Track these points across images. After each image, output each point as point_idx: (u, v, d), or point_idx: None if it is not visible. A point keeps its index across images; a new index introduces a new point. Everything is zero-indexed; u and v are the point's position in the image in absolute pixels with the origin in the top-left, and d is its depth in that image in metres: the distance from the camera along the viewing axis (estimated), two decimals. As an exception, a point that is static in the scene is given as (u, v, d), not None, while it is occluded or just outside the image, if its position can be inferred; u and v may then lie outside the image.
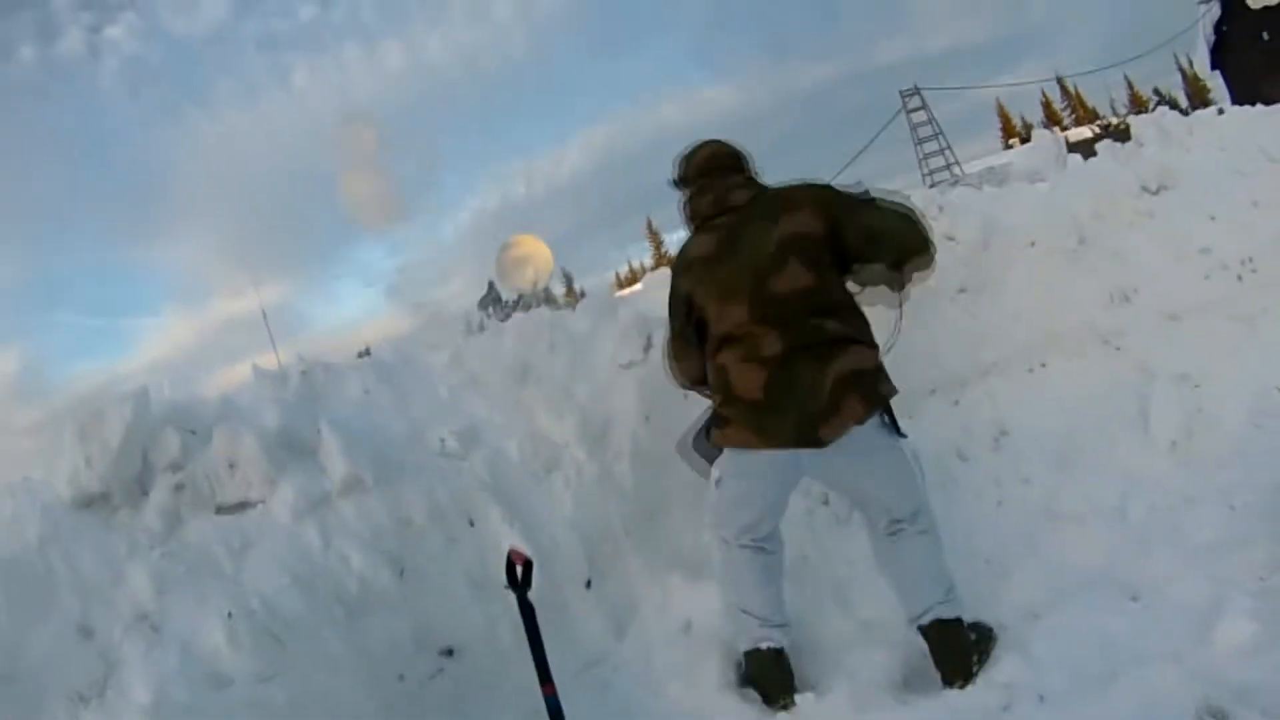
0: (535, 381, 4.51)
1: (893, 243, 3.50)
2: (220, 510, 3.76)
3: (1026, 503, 4.22)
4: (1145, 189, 4.96)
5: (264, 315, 25.54)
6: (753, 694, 3.47)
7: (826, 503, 4.25)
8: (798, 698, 3.41)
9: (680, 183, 3.74)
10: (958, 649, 3.32)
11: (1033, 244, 4.88)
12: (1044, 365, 4.72)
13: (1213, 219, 4.71)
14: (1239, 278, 4.60)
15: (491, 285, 27.72)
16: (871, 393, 3.36)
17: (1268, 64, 21.70)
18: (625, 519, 4.17)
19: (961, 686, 3.27)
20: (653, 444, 4.28)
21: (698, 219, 3.63)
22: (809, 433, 3.29)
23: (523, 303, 25.01)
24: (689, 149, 3.77)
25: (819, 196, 3.50)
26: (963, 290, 4.85)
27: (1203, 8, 24.86)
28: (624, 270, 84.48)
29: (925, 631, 3.35)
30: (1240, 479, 3.81)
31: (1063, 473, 4.25)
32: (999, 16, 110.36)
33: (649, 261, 76.73)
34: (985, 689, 3.23)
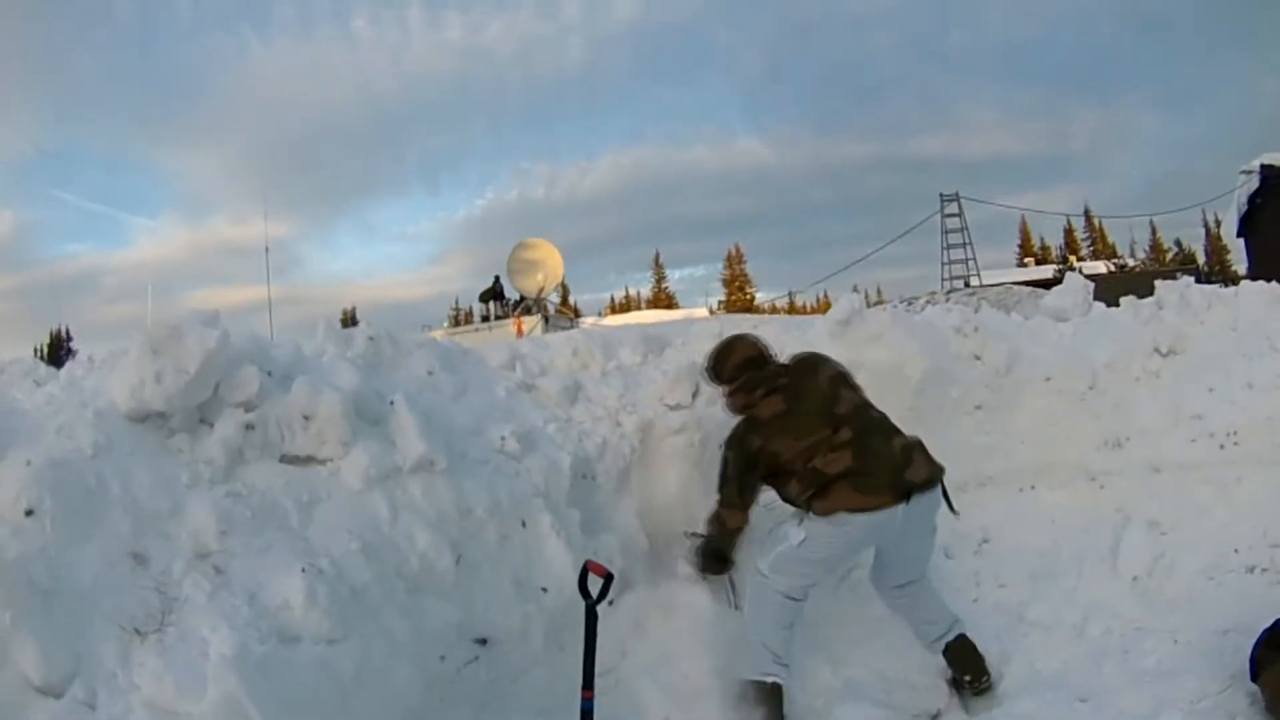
0: (585, 401, 4.50)
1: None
2: (285, 460, 3.48)
3: (1000, 605, 4.49)
4: (1157, 350, 5.26)
5: (266, 250, 24.68)
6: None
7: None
8: None
9: (716, 379, 4.19)
10: (974, 656, 3.96)
11: (1048, 379, 5.15)
12: (1033, 488, 5.03)
13: (1210, 390, 5.01)
14: (1221, 446, 4.87)
15: (497, 280, 26.56)
16: (928, 458, 3.90)
17: None
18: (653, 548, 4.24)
19: (985, 683, 3.93)
20: (691, 483, 4.40)
21: (753, 405, 4.02)
22: (900, 484, 3.73)
23: (524, 305, 24.38)
24: (720, 351, 4.21)
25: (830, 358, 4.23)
26: (979, 407, 5.08)
27: (1242, 176, 25.02)
28: (620, 295, 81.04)
29: (946, 650, 3.95)
30: (1187, 620, 4.12)
31: (1035, 585, 4.53)
32: (1040, 136, 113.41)
33: (647, 292, 74.62)
34: None
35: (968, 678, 3.94)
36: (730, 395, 4.12)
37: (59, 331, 64.08)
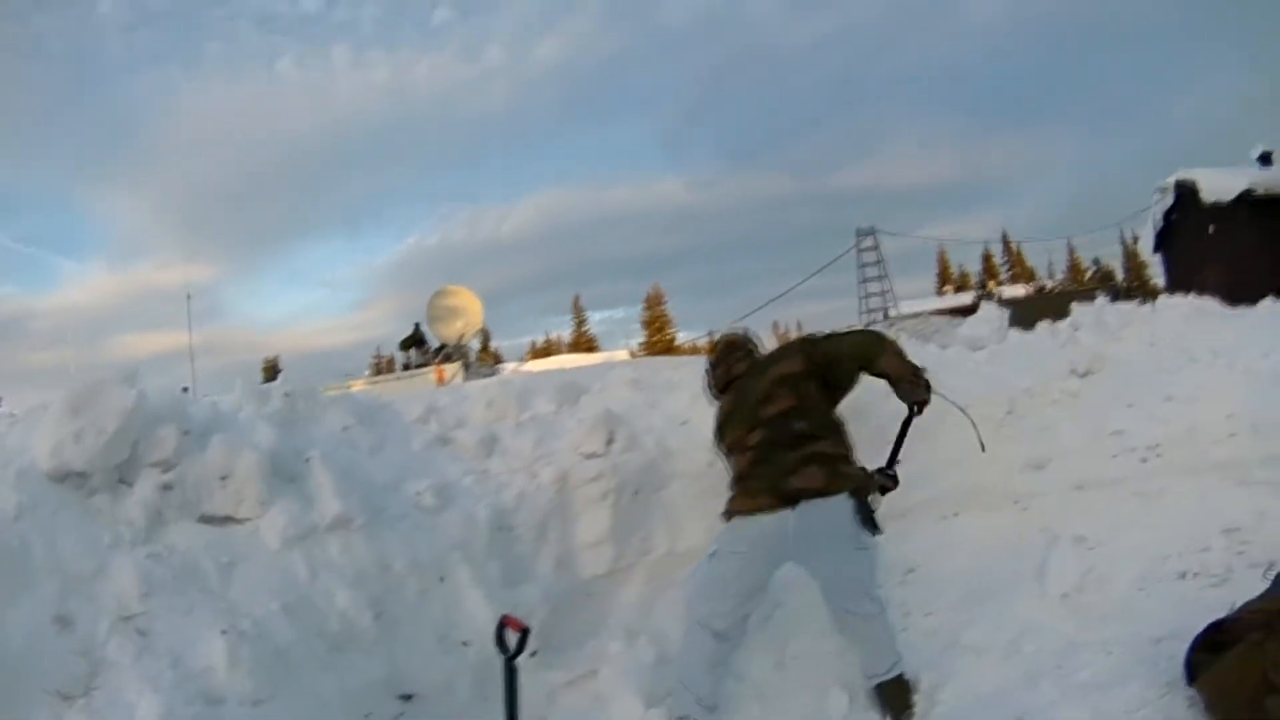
0: (501, 454, 4.51)
1: (851, 354, 4.04)
2: (204, 519, 3.45)
3: (930, 632, 4.39)
4: (1074, 372, 5.42)
5: (188, 298, 25.41)
6: None
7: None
8: None
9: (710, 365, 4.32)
10: (903, 696, 3.84)
11: (967, 406, 5.34)
12: (957, 515, 5.06)
13: (1129, 406, 5.15)
14: (1143, 460, 5.00)
15: (417, 327, 25.98)
16: (831, 470, 3.73)
17: (1207, 256, 22.43)
18: (574, 596, 4.26)
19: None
20: (611, 527, 4.44)
21: (719, 386, 4.19)
22: (781, 488, 3.63)
23: (445, 353, 23.90)
24: (717, 339, 4.39)
25: (797, 345, 4.12)
26: None
27: (1157, 194, 25.70)
28: (540, 339, 77.10)
29: (879, 687, 3.82)
30: (1121, 631, 4.04)
31: (966, 610, 4.44)
32: (958, 165, 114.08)
33: (568, 335, 72.06)
34: None
35: (888, 717, 3.90)
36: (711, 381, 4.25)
37: (-18, 380, 60.47)
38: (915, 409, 4.13)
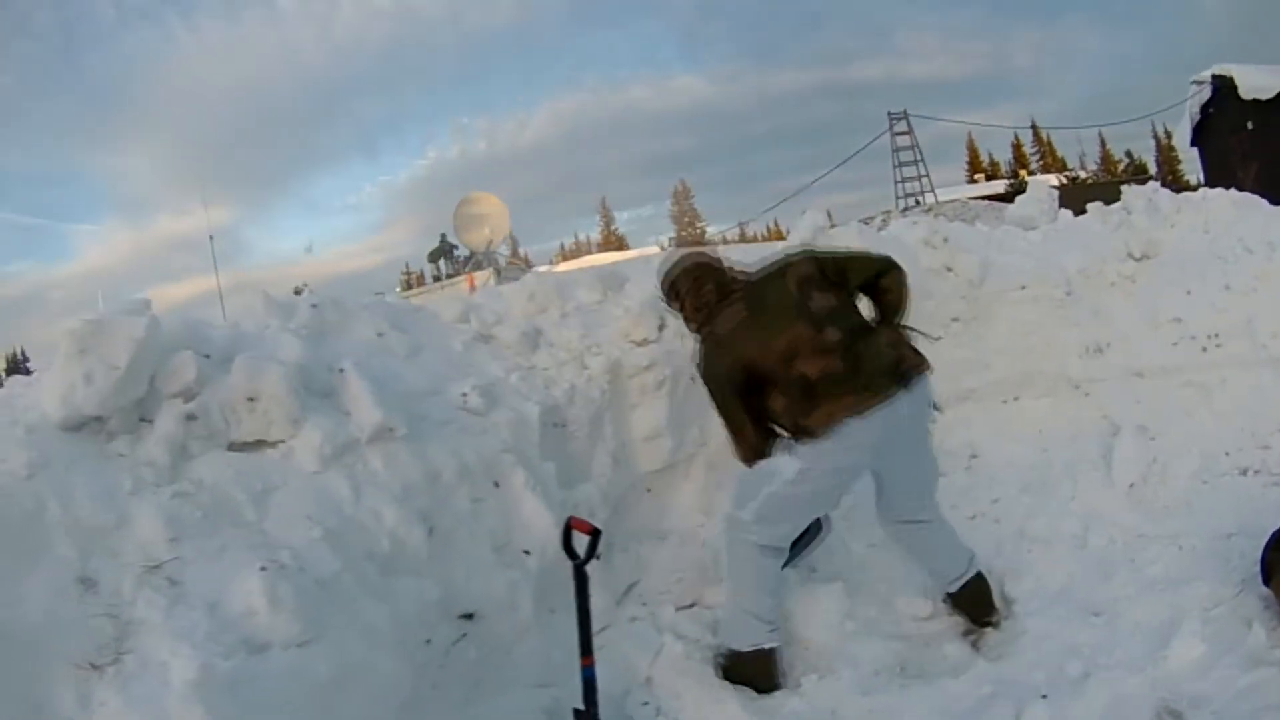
0: (547, 347, 4.20)
1: (861, 264, 3.76)
2: (232, 448, 3.13)
3: (997, 520, 4.33)
4: (1130, 255, 5.10)
5: (210, 239, 22.81)
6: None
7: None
8: (803, 679, 3.45)
9: (672, 298, 3.88)
10: (985, 597, 3.76)
11: (1023, 288, 4.97)
12: (1017, 399, 4.87)
13: (1188, 293, 4.85)
14: (1204, 349, 4.74)
15: (444, 238, 25.88)
16: (916, 351, 3.61)
17: (1246, 151, 21.69)
18: (633, 493, 3.98)
19: (994, 621, 3.73)
20: (668, 417, 4.17)
21: (705, 310, 3.70)
22: (894, 370, 3.45)
23: (474, 260, 23.72)
24: (669, 266, 3.90)
25: (804, 255, 3.78)
26: (955, 319, 4.91)
27: (1194, 87, 24.97)
28: (569, 242, 79.11)
29: (959, 591, 3.72)
30: (1187, 525, 3.99)
31: (1030, 498, 4.38)
32: (984, 56, 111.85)
33: (597, 236, 73.38)
34: (976, 681, 3.34)
35: (975, 619, 3.75)
36: (686, 313, 3.79)
37: (14, 353, 61.12)
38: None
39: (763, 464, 3.53)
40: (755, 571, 3.51)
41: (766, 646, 3.46)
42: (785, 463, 3.46)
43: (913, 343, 3.64)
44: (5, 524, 2.57)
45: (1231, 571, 3.50)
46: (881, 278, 3.69)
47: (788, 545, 3.57)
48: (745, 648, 3.46)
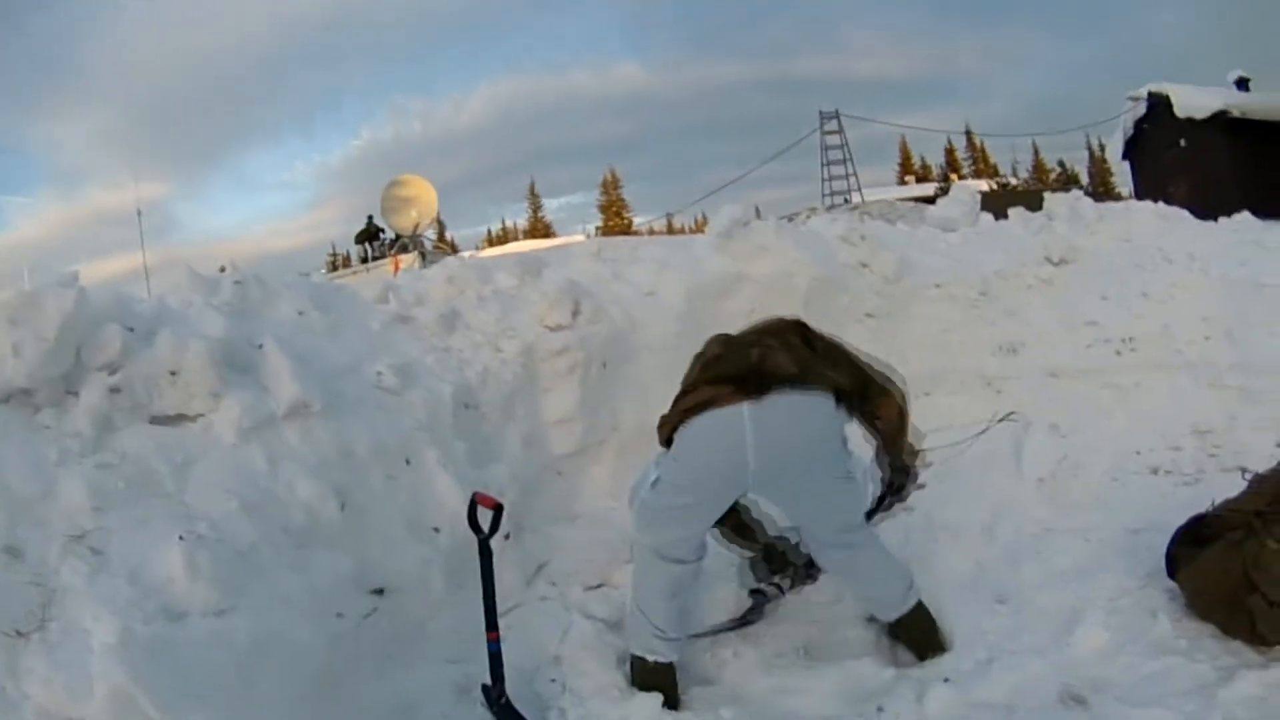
0: (464, 329, 4.30)
1: (881, 383, 3.59)
2: (154, 420, 3.21)
3: (908, 509, 4.16)
4: (1049, 259, 5.25)
5: (139, 214, 23.88)
6: None
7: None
8: (707, 659, 3.49)
9: None
10: (929, 629, 3.45)
11: (938, 286, 5.14)
12: (928, 394, 4.80)
13: (1104, 299, 5.00)
14: (1118, 352, 4.89)
15: (370, 220, 25.26)
16: (805, 362, 3.30)
17: (1177, 170, 22.19)
18: (544, 475, 4.12)
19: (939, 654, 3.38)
20: (580, 401, 4.27)
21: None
22: (747, 374, 3.19)
23: (400, 243, 23.29)
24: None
25: (844, 360, 3.55)
26: (869, 315, 5.04)
27: (1130, 102, 25.42)
28: (497, 228, 77.83)
29: (897, 622, 3.44)
30: (1097, 520, 4.06)
31: (940, 487, 4.30)
32: (927, 58, 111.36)
33: (524, 223, 72.31)
34: (880, 663, 3.38)
35: (920, 654, 3.39)
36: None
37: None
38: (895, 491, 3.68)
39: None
40: (648, 573, 3.36)
41: (652, 660, 3.27)
42: (650, 469, 3.38)
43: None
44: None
45: (1138, 565, 3.58)
46: (883, 402, 3.57)
47: (684, 556, 3.34)
48: (645, 655, 3.29)
